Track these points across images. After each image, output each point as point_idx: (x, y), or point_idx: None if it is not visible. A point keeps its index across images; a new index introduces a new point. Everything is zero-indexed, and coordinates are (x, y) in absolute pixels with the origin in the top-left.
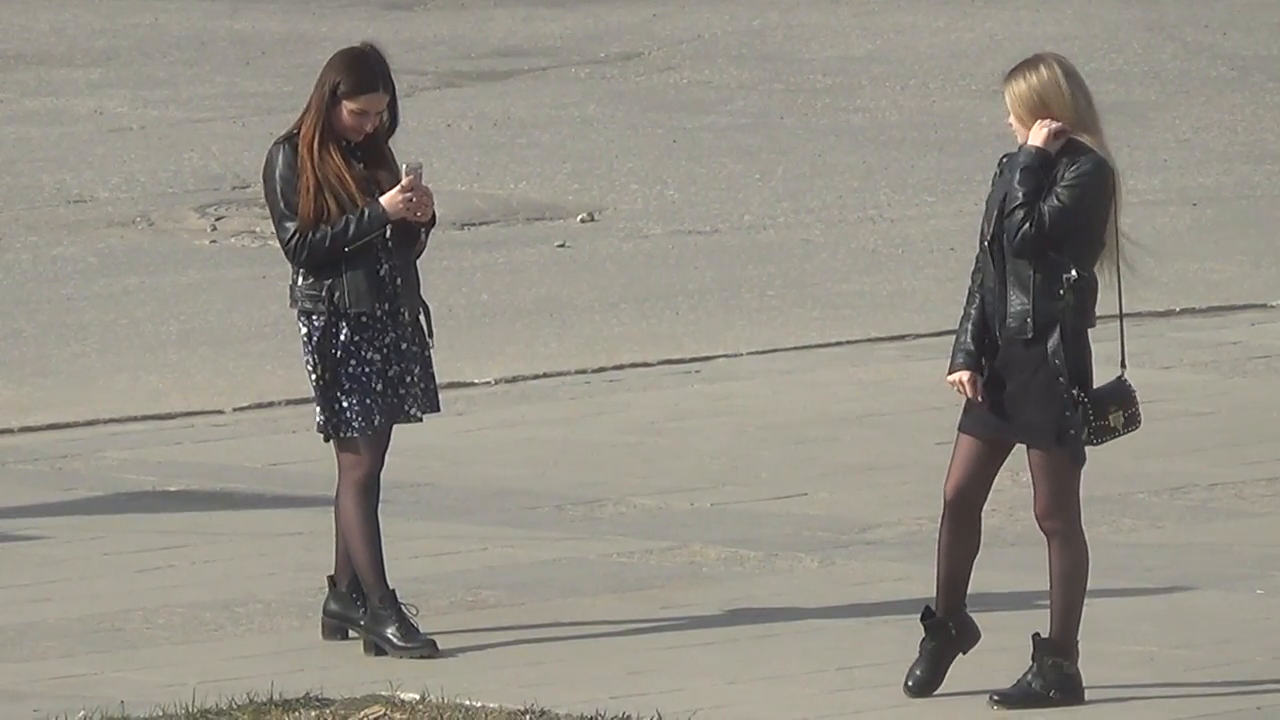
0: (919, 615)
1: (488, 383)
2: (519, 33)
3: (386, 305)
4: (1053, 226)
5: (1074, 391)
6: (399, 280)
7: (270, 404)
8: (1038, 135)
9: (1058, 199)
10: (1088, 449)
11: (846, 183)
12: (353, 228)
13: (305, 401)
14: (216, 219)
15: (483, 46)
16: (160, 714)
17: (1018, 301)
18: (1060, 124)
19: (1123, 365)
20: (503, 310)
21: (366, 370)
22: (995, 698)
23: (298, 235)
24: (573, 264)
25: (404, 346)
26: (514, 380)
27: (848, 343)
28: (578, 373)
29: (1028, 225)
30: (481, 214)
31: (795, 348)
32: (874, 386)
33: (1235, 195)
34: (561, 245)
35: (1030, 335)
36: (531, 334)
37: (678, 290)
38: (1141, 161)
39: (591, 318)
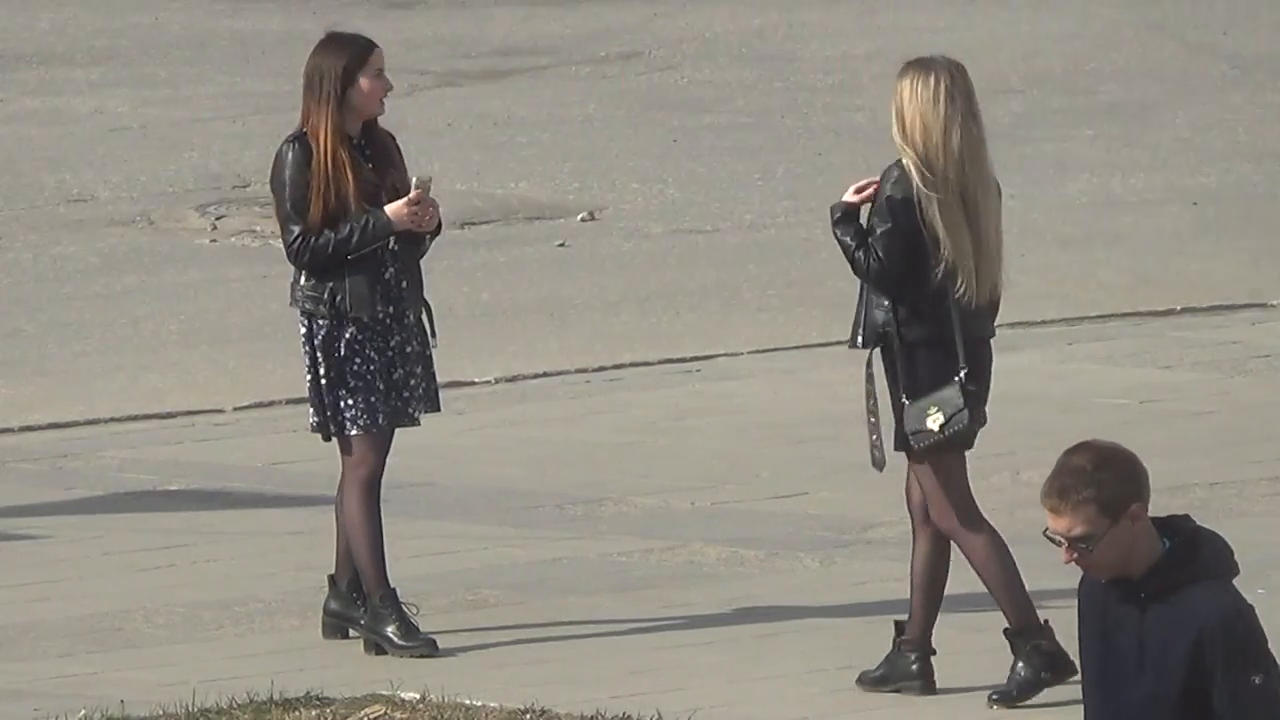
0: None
1: (488, 382)
2: (519, 32)
3: (391, 308)
4: (888, 257)
5: (903, 400)
6: (404, 283)
7: (271, 403)
8: (848, 194)
9: (872, 234)
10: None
11: (846, 182)
12: (356, 235)
13: (305, 400)
14: (217, 218)
15: (483, 46)
16: (160, 713)
17: (857, 311)
18: (868, 183)
19: (960, 369)
20: (503, 309)
21: (371, 368)
22: (994, 696)
23: (301, 238)
24: (573, 263)
25: (408, 350)
26: (514, 379)
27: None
28: (578, 372)
29: (871, 264)
30: (481, 213)
31: (795, 347)
32: None
33: (1235, 195)
34: (561, 245)
35: (858, 345)
36: (531, 333)
37: (678, 290)
38: (1141, 161)
39: (591, 317)
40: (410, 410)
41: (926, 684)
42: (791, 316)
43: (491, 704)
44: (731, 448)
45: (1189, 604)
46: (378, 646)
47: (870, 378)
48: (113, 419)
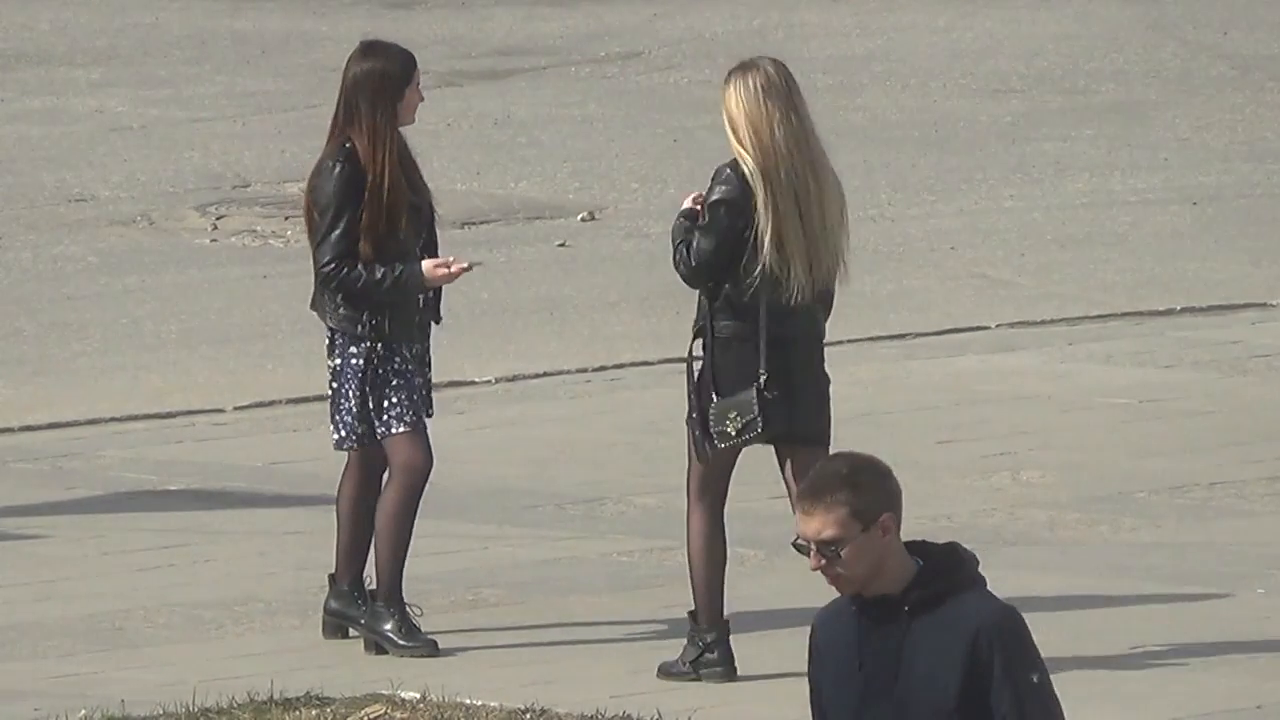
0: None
1: (488, 382)
2: (519, 32)
3: (416, 319)
4: (697, 257)
5: (703, 397)
6: (430, 293)
7: (271, 403)
8: (686, 201)
9: (692, 234)
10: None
11: (847, 182)
12: (388, 284)
13: (306, 401)
14: (217, 218)
15: (483, 46)
16: (160, 713)
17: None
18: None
19: (760, 375)
20: (503, 309)
21: (409, 367)
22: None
23: (335, 264)
24: (573, 263)
25: (426, 357)
26: (514, 379)
27: (848, 342)
28: (578, 371)
29: (679, 262)
30: (481, 213)
31: None
32: (874, 386)
33: (1235, 194)
34: (561, 244)
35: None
36: (531, 333)
37: (678, 290)
38: (1142, 160)
39: (592, 317)
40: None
41: (729, 670)
42: None
43: (491, 704)
44: None
45: (960, 610)
46: (378, 646)
47: (689, 367)
48: (113, 419)
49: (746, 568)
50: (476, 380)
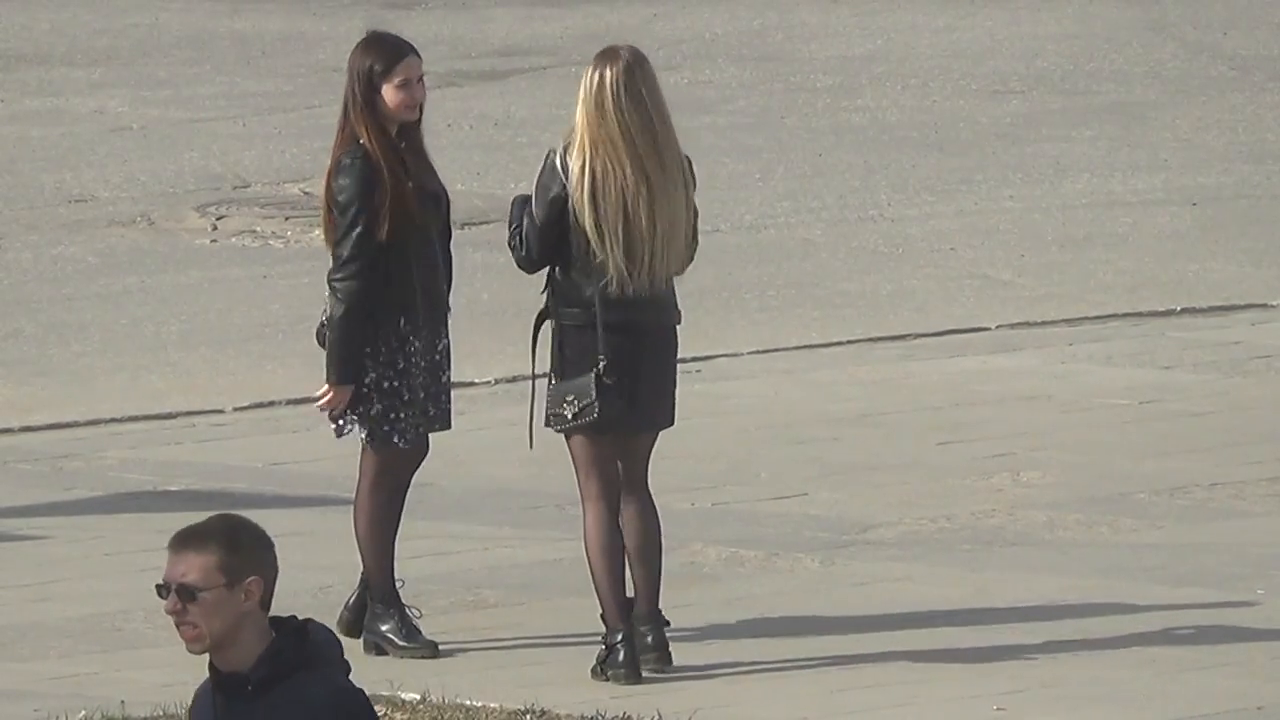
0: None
1: (488, 382)
2: (519, 33)
3: (448, 308)
4: (527, 244)
5: (550, 379)
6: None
7: (271, 403)
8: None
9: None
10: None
11: (846, 183)
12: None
13: (306, 401)
14: (217, 219)
15: (483, 46)
16: (160, 714)
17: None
18: None
19: (599, 360)
20: (503, 310)
21: (419, 384)
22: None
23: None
24: None
25: (446, 355)
26: (514, 380)
27: (848, 342)
28: None
29: (516, 250)
30: (481, 214)
31: (795, 347)
32: (874, 386)
33: (1235, 195)
34: None
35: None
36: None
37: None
38: (1142, 161)
39: None
40: (448, 409)
41: (661, 655)
42: (791, 316)
43: (491, 704)
44: (731, 448)
45: (300, 692)
46: (378, 647)
47: (534, 350)
48: (113, 419)
49: (746, 568)
50: (476, 381)
